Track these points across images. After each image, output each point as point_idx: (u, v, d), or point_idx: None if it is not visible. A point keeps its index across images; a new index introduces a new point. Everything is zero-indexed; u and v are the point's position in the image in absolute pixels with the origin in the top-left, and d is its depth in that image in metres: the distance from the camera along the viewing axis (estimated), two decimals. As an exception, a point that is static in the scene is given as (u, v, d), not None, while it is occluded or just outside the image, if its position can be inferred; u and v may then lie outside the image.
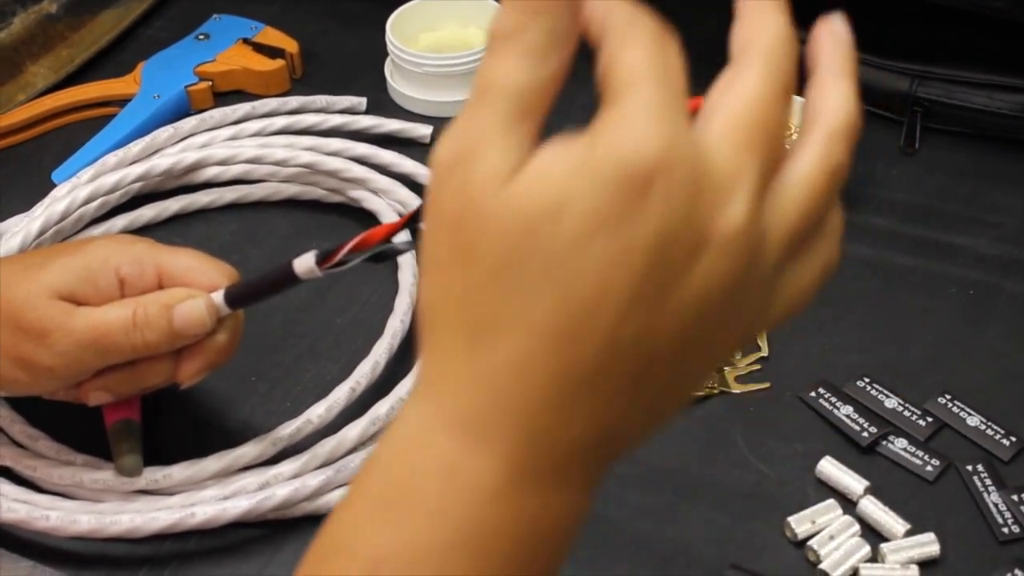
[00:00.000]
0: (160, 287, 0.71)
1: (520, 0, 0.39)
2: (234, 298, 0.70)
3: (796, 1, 1.10)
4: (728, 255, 0.39)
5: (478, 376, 0.40)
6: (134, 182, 0.90)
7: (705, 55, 1.11)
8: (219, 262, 0.72)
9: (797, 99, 0.42)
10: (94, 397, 0.72)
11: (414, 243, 0.64)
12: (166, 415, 0.78)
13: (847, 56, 0.43)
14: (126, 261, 0.71)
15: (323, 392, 0.77)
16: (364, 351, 0.79)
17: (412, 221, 0.63)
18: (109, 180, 0.89)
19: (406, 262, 0.84)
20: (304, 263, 0.65)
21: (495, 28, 0.40)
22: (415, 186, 0.91)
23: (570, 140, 0.39)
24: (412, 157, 0.92)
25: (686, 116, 0.39)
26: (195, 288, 0.70)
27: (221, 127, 0.95)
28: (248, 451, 0.74)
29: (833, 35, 0.43)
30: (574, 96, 1.11)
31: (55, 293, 0.69)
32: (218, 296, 0.70)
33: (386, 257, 0.64)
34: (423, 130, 0.97)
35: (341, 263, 0.64)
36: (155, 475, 0.73)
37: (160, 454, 0.75)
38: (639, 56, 0.40)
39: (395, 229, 0.63)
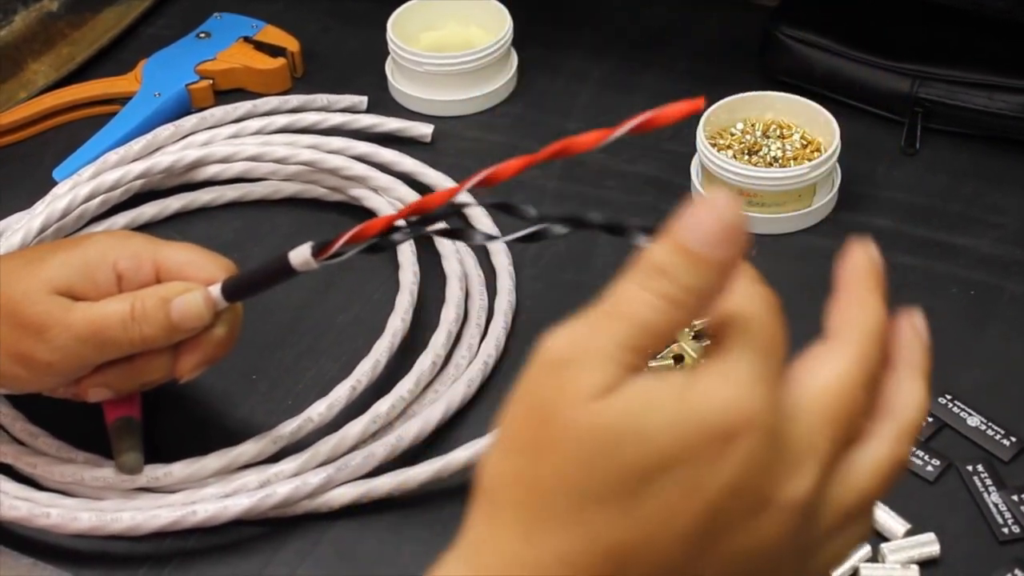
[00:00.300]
0: (158, 281, 0.71)
1: (691, 246, 0.40)
2: (231, 291, 0.70)
3: (798, 3, 1.11)
4: (784, 521, 0.41)
5: (525, 562, 0.41)
6: (135, 180, 0.90)
7: (705, 54, 1.11)
8: (217, 256, 0.72)
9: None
10: (94, 393, 0.72)
11: (410, 235, 0.64)
12: (167, 413, 0.78)
13: (926, 354, 0.45)
14: (123, 256, 0.71)
15: (324, 390, 0.76)
16: (365, 349, 0.79)
17: (410, 218, 0.63)
18: (110, 178, 0.89)
19: (407, 261, 0.84)
20: (300, 255, 0.65)
21: (654, 253, 0.41)
22: (415, 184, 0.91)
23: (670, 375, 0.41)
24: (412, 156, 0.92)
25: (782, 383, 0.42)
26: (193, 282, 0.70)
27: (222, 125, 0.95)
28: (249, 449, 0.74)
29: (916, 332, 0.45)
30: (575, 95, 1.11)
31: (53, 288, 0.69)
32: (215, 289, 0.70)
33: (382, 248, 0.63)
34: (423, 129, 0.97)
35: (337, 255, 0.64)
36: (156, 473, 0.73)
37: (161, 452, 0.75)
38: (757, 318, 0.42)
39: (391, 222, 0.63)
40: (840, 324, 0.43)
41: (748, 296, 0.42)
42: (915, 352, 0.44)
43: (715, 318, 0.42)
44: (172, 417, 0.79)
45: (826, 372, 0.42)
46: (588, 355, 0.40)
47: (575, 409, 0.40)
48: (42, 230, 0.85)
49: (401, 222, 0.63)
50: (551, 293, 0.86)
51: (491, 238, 0.65)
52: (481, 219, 0.88)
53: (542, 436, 0.41)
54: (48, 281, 0.70)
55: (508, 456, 0.42)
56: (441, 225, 0.82)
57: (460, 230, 0.70)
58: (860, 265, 0.44)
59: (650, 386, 0.40)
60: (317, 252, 0.65)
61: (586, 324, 0.41)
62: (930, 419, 0.77)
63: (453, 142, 0.98)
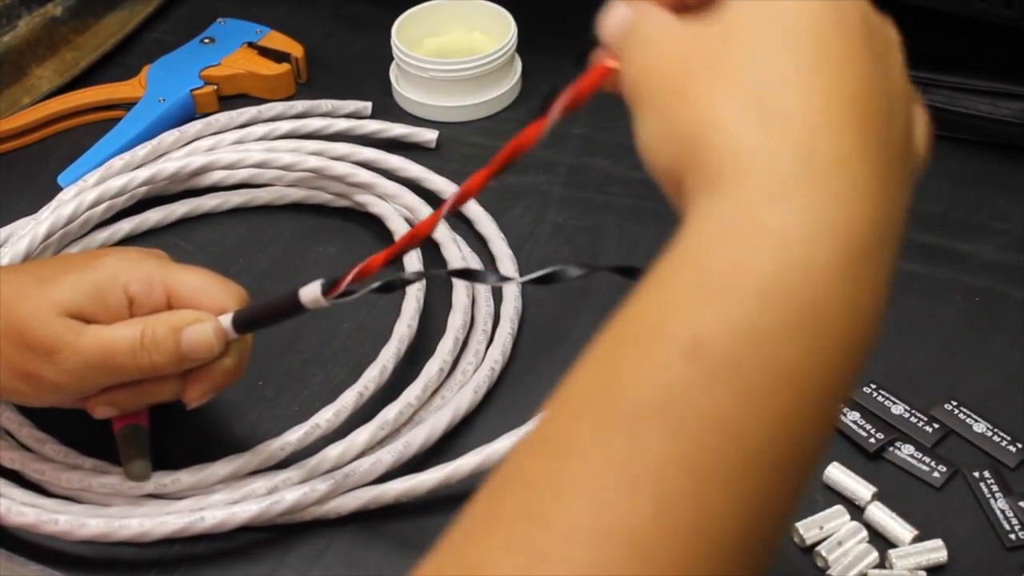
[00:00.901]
0: (169, 306, 0.71)
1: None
2: (242, 323, 0.70)
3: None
4: (900, 56, 0.48)
5: (774, 146, 0.42)
6: (140, 186, 0.90)
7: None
8: (229, 283, 0.72)
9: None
10: (100, 411, 0.72)
11: (424, 275, 0.64)
12: (174, 420, 0.78)
13: None
14: (135, 279, 0.70)
15: (331, 397, 0.77)
16: (372, 355, 0.79)
17: (410, 246, 0.64)
18: (115, 184, 0.89)
19: (413, 268, 0.84)
20: (310, 293, 0.66)
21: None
22: (421, 190, 0.91)
23: None
24: (417, 161, 0.92)
25: None
26: (203, 309, 0.70)
27: (227, 131, 0.95)
28: (256, 456, 0.74)
29: None
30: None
31: (64, 311, 0.69)
32: (226, 320, 0.70)
33: (394, 287, 0.64)
34: (428, 135, 0.97)
35: (348, 293, 0.65)
36: (163, 479, 0.73)
37: (168, 459, 0.75)
38: None
39: (393, 253, 0.64)
40: None
41: None
42: None
43: None
44: (179, 424, 0.79)
45: None
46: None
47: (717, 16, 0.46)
48: (48, 236, 0.85)
49: (414, 252, 0.63)
50: (556, 299, 0.86)
51: (504, 279, 0.66)
52: (493, 234, 0.88)
53: (697, 48, 0.45)
54: (59, 303, 0.69)
55: (683, 89, 0.45)
56: (456, 266, 0.82)
57: (476, 272, 0.71)
58: None
59: None
60: (327, 290, 0.65)
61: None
62: (936, 425, 0.77)
63: (458, 147, 0.98)
